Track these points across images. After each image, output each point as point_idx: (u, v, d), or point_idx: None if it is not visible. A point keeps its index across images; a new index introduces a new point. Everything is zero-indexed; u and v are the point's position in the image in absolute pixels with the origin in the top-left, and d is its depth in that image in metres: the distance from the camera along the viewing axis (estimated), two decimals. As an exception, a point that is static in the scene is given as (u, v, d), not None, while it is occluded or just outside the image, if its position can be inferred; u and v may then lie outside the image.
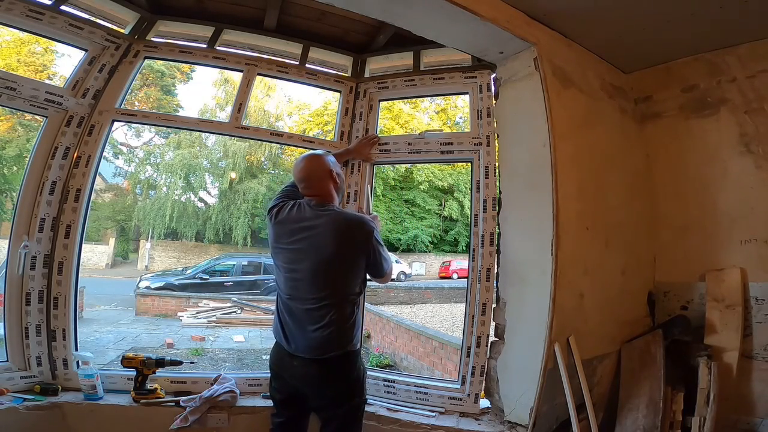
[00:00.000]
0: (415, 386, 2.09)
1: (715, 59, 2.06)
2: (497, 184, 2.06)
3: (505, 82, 2.07)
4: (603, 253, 2.06)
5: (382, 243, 1.61)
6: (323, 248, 1.50)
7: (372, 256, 1.56)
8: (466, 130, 2.27)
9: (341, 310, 1.51)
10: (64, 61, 15.12)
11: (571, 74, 2.01)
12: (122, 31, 2.14)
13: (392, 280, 1.99)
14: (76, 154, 1.97)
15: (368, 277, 1.65)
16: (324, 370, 1.51)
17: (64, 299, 1.92)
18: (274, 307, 1.66)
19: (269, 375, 1.69)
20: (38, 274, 1.88)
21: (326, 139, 2.48)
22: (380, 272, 1.62)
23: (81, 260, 2.03)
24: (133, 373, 1.90)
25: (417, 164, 17.14)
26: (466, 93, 2.26)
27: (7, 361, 1.86)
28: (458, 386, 2.06)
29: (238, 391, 1.98)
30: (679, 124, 2.23)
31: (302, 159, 1.67)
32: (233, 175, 18.15)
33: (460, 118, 20.64)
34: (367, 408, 1.69)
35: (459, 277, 16.69)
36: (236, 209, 17.77)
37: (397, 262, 16.66)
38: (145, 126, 17.18)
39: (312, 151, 1.77)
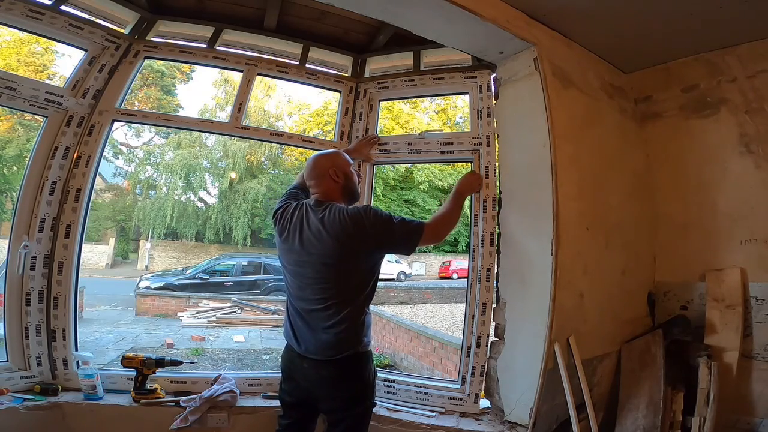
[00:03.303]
0: (415, 386, 2.09)
1: (715, 59, 2.06)
2: (497, 184, 2.06)
3: (505, 82, 2.07)
4: (603, 253, 2.06)
5: (386, 219, 1.48)
6: (324, 249, 1.48)
7: (385, 242, 1.49)
8: (466, 130, 2.26)
9: (349, 309, 1.48)
10: (64, 61, 15.14)
11: (571, 74, 2.01)
12: (122, 31, 2.14)
13: (440, 240, 1.63)
14: (76, 154, 1.97)
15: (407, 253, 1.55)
16: (335, 372, 1.49)
17: (64, 299, 1.92)
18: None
19: (280, 376, 1.67)
20: (38, 274, 1.88)
21: (326, 139, 2.48)
22: (406, 244, 1.50)
23: (81, 260, 2.03)
24: (133, 373, 1.90)
25: (417, 164, 17.14)
26: (466, 93, 2.26)
27: (7, 361, 1.86)
28: (458, 386, 2.06)
29: (238, 391, 1.98)
30: (679, 124, 2.23)
31: (310, 158, 1.68)
32: (233, 175, 18.14)
33: (460, 118, 20.62)
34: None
35: (459, 277, 16.67)
36: (236, 209, 17.75)
37: (397, 262, 16.66)
38: (145, 126, 17.17)
39: (322, 150, 1.76)
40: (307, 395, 1.57)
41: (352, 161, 1.72)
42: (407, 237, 1.51)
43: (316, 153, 1.70)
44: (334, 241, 1.47)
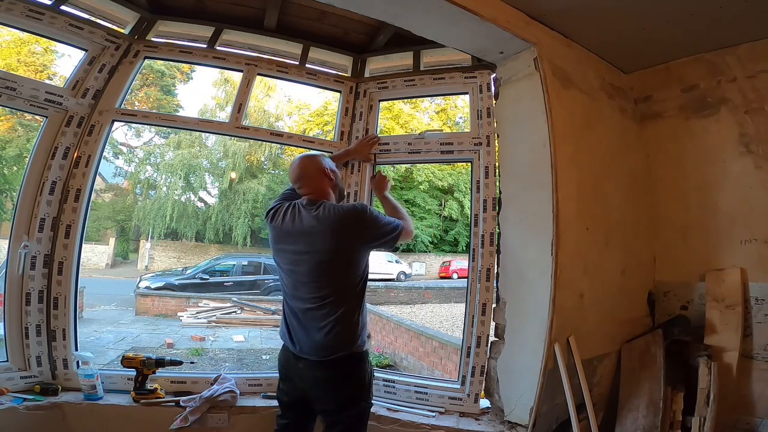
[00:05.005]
0: (415, 386, 2.09)
1: (715, 59, 2.06)
2: (497, 184, 2.06)
3: (505, 82, 2.07)
4: (603, 253, 2.06)
5: (377, 216, 1.57)
6: (319, 246, 1.48)
7: (376, 238, 1.55)
8: (466, 130, 2.27)
9: (344, 309, 1.48)
10: (64, 61, 15.15)
11: (571, 74, 2.01)
12: (122, 31, 2.14)
13: (407, 242, 1.85)
14: (76, 154, 1.97)
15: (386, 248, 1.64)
16: (330, 373, 1.48)
17: (64, 299, 1.92)
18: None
19: (277, 376, 1.67)
20: (38, 274, 1.88)
21: (326, 139, 2.48)
22: (390, 241, 1.58)
23: (81, 260, 2.04)
24: (133, 373, 1.90)
25: (417, 164, 17.14)
26: (466, 93, 2.26)
27: (7, 361, 1.86)
28: (458, 386, 2.06)
29: (238, 391, 1.98)
30: (679, 124, 2.23)
31: (296, 159, 1.69)
32: (233, 175, 18.16)
33: (460, 118, 20.63)
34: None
35: (459, 277, 16.68)
36: (236, 209, 17.77)
37: (397, 262, 16.67)
38: (145, 126, 17.17)
39: (306, 153, 1.77)
40: (304, 396, 1.57)
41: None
42: (393, 233, 1.59)
43: (299, 156, 1.72)
44: (328, 236, 1.48)
